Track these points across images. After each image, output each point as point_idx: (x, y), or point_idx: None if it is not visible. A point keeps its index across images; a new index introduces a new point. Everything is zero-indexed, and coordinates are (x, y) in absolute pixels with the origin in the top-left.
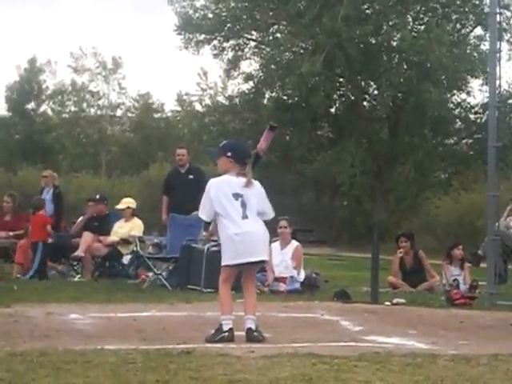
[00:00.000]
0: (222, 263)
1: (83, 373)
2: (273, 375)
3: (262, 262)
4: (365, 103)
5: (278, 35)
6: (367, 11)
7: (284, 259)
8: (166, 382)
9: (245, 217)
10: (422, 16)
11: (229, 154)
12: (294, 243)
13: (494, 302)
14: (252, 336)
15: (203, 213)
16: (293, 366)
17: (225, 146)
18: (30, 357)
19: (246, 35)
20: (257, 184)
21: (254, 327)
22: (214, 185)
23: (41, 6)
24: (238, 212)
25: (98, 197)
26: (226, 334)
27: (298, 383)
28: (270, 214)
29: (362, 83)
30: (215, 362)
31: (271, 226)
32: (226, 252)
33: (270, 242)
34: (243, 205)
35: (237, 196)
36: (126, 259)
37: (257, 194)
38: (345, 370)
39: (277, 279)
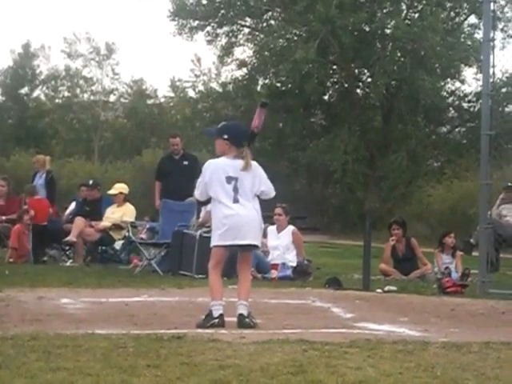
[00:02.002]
0: (211, 244)
1: (74, 357)
2: (263, 361)
3: (252, 246)
4: (358, 91)
5: (272, 22)
6: None
7: (281, 244)
8: (157, 367)
9: (236, 200)
10: (416, 4)
11: (225, 136)
12: (290, 227)
13: (486, 290)
14: (243, 322)
15: (197, 192)
16: (284, 352)
17: (222, 128)
18: (21, 341)
19: (239, 22)
20: (255, 166)
21: (245, 313)
22: (210, 167)
23: None
24: (229, 195)
25: (91, 183)
26: (217, 320)
27: (289, 369)
28: (271, 192)
29: (356, 71)
30: (206, 348)
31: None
32: (215, 233)
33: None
34: (235, 189)
35: (230, 179)
36: (117, 244)
37: (255, 176)
38: (336, 356)
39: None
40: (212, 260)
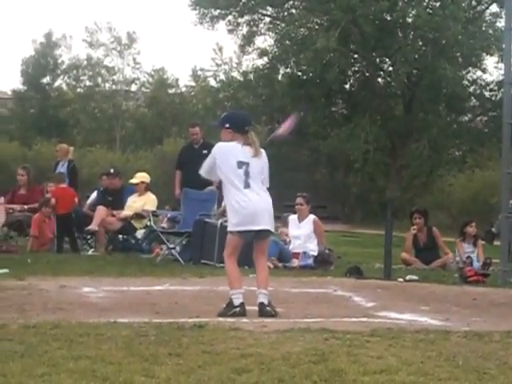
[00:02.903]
0: (228, 229)
1: (96, 345)
2: (285, 350)
3: (267, 231)
4: (379, 79)
5: (293, 11)
6: None
7: (302, 233)
8: (179, 356)
9: (247, 185)
10: None
11: (227, 125)
12: (311, 217)
13: (508, 279)
14: (264, 310)
15: (202, 169)
16: (305, 340)
17: (223, 118)
18: (43, 329)
19: (260, 11)
20: (263, 153)
21: (266, 302)
22: (219, 150)
23: None
24: (241, 180)
25: (112, 171)
26: (238, 308)
27: (310, 358)
28: (266, 184)
29: (377, 59)
30: (227, 336)
31: (281, 202)
32: (230, 219)
33: (280, 218)
34: (246, 173)
35: (241, 164)
36: (139, 233)
37: (264, 162)
38: (357, 345)
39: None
40: (227, 248)
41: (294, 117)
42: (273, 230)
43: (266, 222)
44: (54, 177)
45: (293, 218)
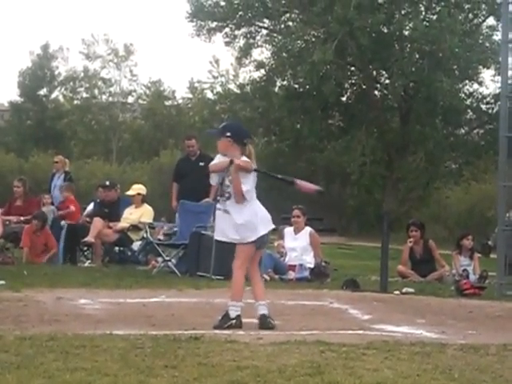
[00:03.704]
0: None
1: (92, 357)
2: (281, 362)
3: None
4: (376, 92)
5: (290, 23)
6: (379, 0)
7: (298, 245)
8: (175, 368)
9: (229, 198)
10: (434, 5)
11: (228, 134)
12: (308, 229)
13: (504, 292)
14: (266, 322)
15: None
16: (301, 353)
17: (225, 127)
18: (39, 341)
19: (257, 23)
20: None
21: (267, 313)
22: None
23: None
24: (224, 192)
25: (107, 183)
26: (234, 321)
27: (306, 370)
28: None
29: (374, 72)
30: (223, 349)
31: (278, 215)
32: (259, 226)
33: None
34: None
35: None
36: (135, 245)
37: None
38: (353, 357)
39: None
40: (242, 259)
41: (316, 188)
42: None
43: (271, 222)
44: (67, 186)
45: (288, 230)
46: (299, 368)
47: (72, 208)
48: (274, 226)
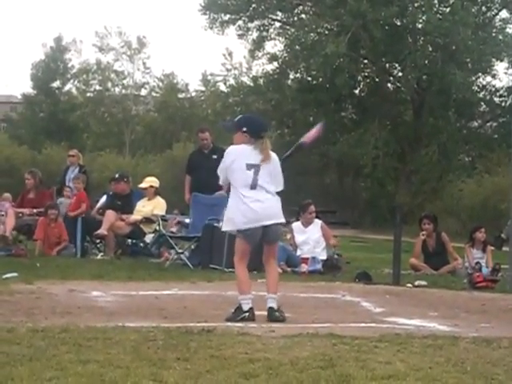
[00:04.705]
0: (236, 231)
1: (104, 349)
2: (293, 355)
3: (275, 226)
4: (389, 85)
5: (303, 16)
6: None
7: (309, 238)
8: (187, 360)
9: (253, 187)
10: None
11: (244, 128)
12: (318, 222)
13: None
14: (274, 315)
15: (221, 180)
16: (313, 346)
17: (240, 120)
18: (52, 333)
19: (270, 16)
20: (274, 157)
21: (275, 306)
22: (231, 153)
23: None
24: (247, 182)
25: (117, 176)
26: (247, 313)
27: (319, 363)
28: (279, 187)
29: (387, 65)
30: (236, 341)
31: (290, 206)
32: (237, 220)
33: (290, 222)
34: (255, 176)
35: (250, 166)
36: (148, 238)
37: (275, 167)
38: (365, 350)
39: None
40: (237, 254)
41: (320, 126)
42: (283, 220)
43: (272, 217)
44: (81, 177)
45: (296, 224)
46: (311, 360)
47: (83, 207)
48: (267, 223)
